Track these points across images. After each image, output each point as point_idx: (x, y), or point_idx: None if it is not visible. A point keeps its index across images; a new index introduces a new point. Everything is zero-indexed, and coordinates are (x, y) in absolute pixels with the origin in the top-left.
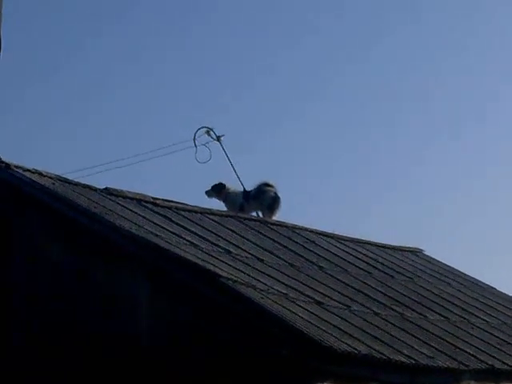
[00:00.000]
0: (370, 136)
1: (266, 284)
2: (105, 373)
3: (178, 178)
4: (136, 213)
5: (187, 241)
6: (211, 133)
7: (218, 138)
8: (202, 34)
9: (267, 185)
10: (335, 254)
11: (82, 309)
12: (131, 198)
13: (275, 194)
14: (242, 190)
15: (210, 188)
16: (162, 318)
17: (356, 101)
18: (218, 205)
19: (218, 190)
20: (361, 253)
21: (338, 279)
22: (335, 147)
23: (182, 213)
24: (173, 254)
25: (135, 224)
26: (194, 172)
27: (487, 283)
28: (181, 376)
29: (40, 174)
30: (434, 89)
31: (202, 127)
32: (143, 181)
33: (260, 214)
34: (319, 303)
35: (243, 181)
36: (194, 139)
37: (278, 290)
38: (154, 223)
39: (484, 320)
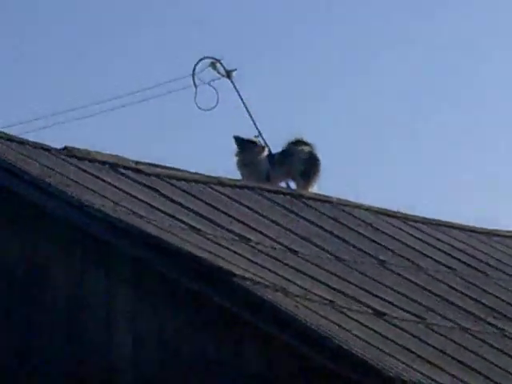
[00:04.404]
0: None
1: (302, 287)
2: None
3: (171, 132)
4: (110, 183)
5: (185, 224)
6: (218, 66)
7: (229, 74)
8: None
9: (300, 142)
10: (403, 243)
11: (35, 322)
12: (103, 163)
13: (311, 154)
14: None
15: None
16: (149, 338)
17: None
18: (233, 171)
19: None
20: (440, 240)
21: (407, 279)
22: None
23: (178, 183)
24: (165, 243)
25: (109, 200)
26: (194, 123)
27: None
28: None
29: None
30: None
31: (205, 58)
32: (119, 138)
33: (293, 185)
34: (381, 314)
35: (265, 137)
36: (193, 75)
37: (319, 296)
38: (137, 198)
39: None
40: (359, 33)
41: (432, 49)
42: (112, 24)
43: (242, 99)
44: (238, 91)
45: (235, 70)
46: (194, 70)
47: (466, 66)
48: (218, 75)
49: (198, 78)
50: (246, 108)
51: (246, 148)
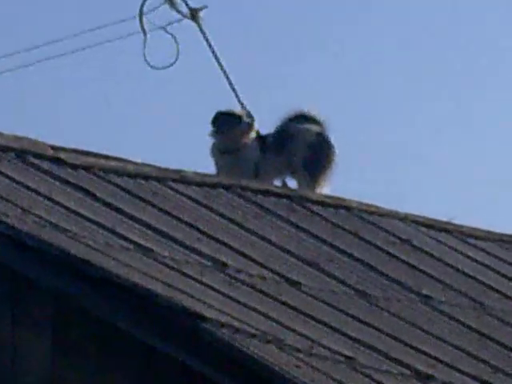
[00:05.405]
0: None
1: (305, 336)
2: None
3: (107, 103)
4: (16, 180)
5: (129, 241)
6: (178, 2)
7: (194, 14)
8: None
9: (303, 118)
10: (457, 270)
11: None
12: (5, 149)
13: (321, 136)
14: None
15: None
16: None
17: None
18: (204, 161)
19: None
20: None
21: (463, 324)
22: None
23: (119, 180)
24: (99, 270)
25: (14, 205)
26: (143, 88)
27: None
28: None
29: None
30: None
31: None
32: (29, 112)
33: (293, 184)
34: (425, 378)
35: (250, 109)
36: (141, 17)
37: (332, 350)
38: (57, 203)
39: None
40: None
41: None
42: None
43: (213, 52)
44: (207, 39)
45: (204, 7)
46: (141, 8)
47: None
48: (177, 16)
49: (147, 20)
50: (220, 64)
51: (226, 125)
